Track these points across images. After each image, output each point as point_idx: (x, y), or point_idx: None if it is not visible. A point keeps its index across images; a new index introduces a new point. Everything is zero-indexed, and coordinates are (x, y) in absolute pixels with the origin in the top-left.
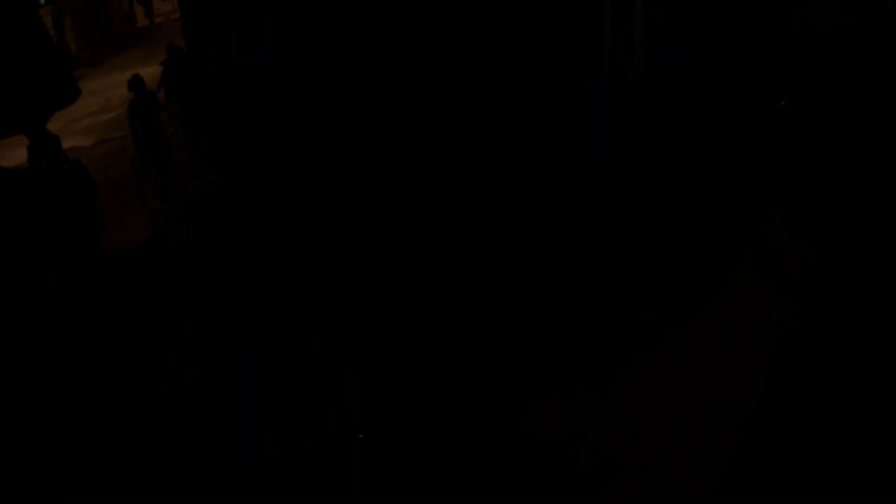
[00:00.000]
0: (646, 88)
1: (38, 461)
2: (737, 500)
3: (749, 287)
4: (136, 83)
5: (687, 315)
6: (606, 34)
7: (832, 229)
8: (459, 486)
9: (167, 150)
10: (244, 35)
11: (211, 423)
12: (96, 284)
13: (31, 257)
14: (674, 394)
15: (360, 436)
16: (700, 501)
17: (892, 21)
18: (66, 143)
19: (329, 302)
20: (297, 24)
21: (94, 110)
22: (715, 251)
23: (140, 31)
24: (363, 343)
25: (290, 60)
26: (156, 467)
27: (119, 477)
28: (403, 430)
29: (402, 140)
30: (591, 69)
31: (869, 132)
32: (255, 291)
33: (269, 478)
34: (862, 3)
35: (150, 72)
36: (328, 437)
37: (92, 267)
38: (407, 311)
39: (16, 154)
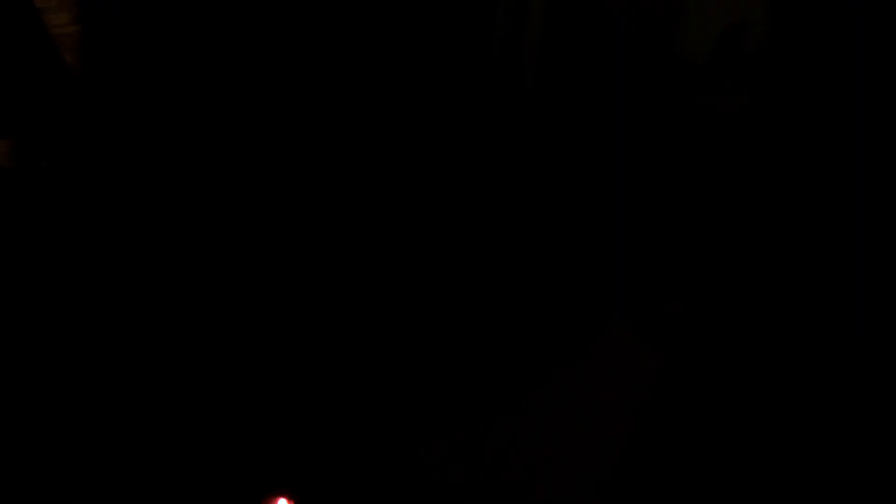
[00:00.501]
0: (538, 99)
1: (37, 461)
2: None
3: (622, 335)
4: None
5: (572, 357)
6: (498, 42)
7: (700, 279)
8: None
9: None
10: None
11: (202, 422)
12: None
13: (30, 256)
14: (560, 429)
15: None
16: None
17: None
18: None
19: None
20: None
21: None
22: (587, 300)
23: None
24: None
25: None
26: (153, 467)
27: (118, 477)
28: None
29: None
30: (484, 77)
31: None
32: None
33: (262, 478)
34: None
35: None
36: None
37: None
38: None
39: None
